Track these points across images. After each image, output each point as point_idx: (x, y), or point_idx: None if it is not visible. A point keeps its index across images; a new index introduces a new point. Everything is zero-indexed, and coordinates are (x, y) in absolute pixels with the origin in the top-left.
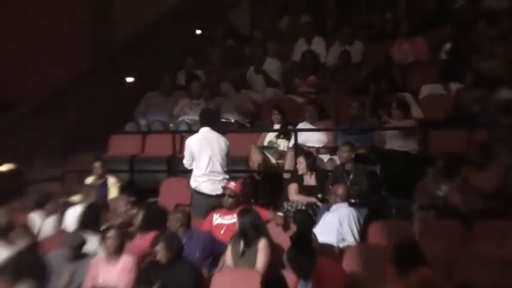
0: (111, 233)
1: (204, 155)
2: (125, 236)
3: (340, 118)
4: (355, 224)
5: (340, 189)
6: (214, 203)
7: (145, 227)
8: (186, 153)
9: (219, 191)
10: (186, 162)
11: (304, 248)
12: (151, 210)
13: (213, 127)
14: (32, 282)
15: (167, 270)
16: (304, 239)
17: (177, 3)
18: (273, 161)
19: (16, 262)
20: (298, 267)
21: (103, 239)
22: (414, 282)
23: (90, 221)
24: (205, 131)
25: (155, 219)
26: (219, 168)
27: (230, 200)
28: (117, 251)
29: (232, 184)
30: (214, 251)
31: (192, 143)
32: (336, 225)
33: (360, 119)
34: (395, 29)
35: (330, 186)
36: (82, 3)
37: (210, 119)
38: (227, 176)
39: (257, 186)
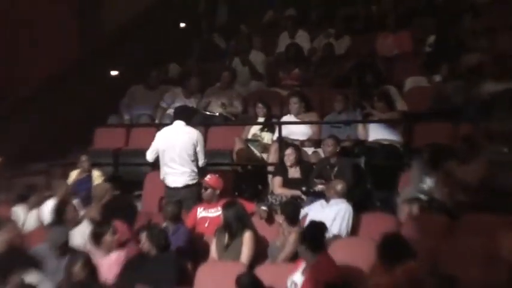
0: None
1: (167, 148)
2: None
3: (324, 111)
4: (349, 221)
5: (339, 186)
6: (175, 194)
7: (106, 215)
8: (152, 144)
9: (179, 184)
10: (148, 153)
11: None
12: (114, 200)
13: (187, 121)
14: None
15: (152, 262)
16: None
17: None
18: (258, 154)
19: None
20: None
21: (95, 234)
22: (399, 275)
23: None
24: (176, 124)
25: (116, 209)
26: (181, 162)
27: (205, 192)
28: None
29: (207, 177)
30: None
31: (159, 135)
32: (331, 220)
33: (344, 112)
34: (380, 22)
35: (314, 180)
36: None
37: (182, 113)
38: (188, 170)
39: (241, 180)
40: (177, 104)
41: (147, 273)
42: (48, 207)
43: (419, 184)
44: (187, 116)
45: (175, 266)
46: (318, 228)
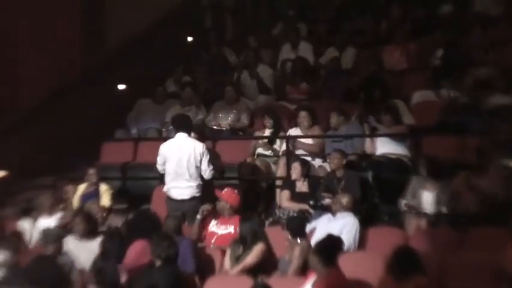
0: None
1: (172, 161)
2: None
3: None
4: (356, 234)
5: (344, 199)
6: (179, 207)
7: (130, 233)
8: (159, 157)
9: (185, 196)
10: (158, 166)
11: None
12: (138, 216)
13: (189, 133)
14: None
15: (153, 274)
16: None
17: (168, 12)
18: (272, 166)
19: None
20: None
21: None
22: None
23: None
24: (179, 136)
25: (141, 226)
26: (186, 175)
27: (218, 203)
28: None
29: (224, 190)
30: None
31: (164, 148)
32: (337, 233)
33: (343, 127)
34: (387, 36)
35: (322, 194)
36: (73, 12)
37: (182, 125)
38: (194, 183)
39: (248, 193)
40: None
41: (148, 284)
42: (42, 223)
43: (410, 199)
44: (188, 125)
45: (171, 279)
46: (334, 242)
